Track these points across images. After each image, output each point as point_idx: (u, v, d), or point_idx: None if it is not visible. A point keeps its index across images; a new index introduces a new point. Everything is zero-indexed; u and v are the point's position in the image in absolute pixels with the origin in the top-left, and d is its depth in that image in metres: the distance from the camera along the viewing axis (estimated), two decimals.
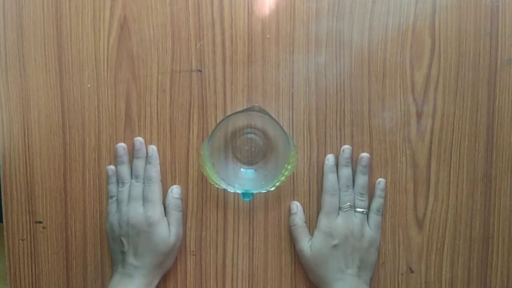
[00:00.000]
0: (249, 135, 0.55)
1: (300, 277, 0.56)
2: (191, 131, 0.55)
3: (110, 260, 0.57)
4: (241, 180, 0.54)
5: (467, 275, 0.57)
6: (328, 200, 0.53)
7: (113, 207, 0.55)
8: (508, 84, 0.55)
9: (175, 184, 0.56)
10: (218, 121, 0.55)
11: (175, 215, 0.54)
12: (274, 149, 0.55)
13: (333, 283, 0.52)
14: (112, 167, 0.55)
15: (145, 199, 0.53)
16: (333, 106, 0.55)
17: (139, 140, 0.55)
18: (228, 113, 0.55)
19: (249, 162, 0.55)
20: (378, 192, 0.55)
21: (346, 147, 0.54)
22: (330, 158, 0.54)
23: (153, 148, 0.55)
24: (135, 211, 0.52)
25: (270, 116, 0.51)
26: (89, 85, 0.55)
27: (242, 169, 0.55)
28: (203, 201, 0.56)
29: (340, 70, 0.55)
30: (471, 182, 0.56)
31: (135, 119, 0.55)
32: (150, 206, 0.53)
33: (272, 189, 0.52)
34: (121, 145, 0.55)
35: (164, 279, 0.56)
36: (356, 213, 0.53)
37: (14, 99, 0.56)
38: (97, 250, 0.57)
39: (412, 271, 0.56)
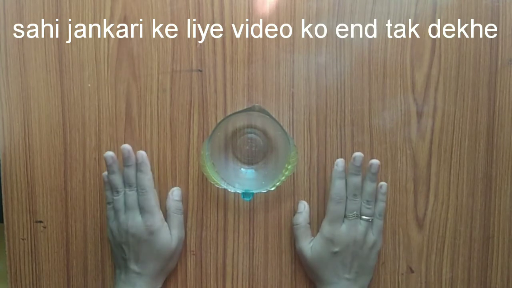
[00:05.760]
0: (249, 135, 0.55)
1: (300, 276, 0.56)
2: (191, 131, 0.55)
3: (111, 259, 0.57)
4: (241, 180, 0.54)
5: (467, 275, 0.57)
6: (333, 208, 0.52)
7: (111, 213, 0.54)
8: (509, 84, 0.55)
9: (175, 184, 0.56)
10: (218, 121, 0.55)
11: (176, 218, 0.54)
12: (274, 149, 0.55)
13: (328, 286, 0.52)
14: (106, 173, 0.54)
15: (142, 209, 0.52)
16: (333, 106, 0.55)
17: (126, 148, 0.53)
18: (228, 113, 0.55)
19: (249, 162, 0.55)
20: (380, 196, 0.54)
21: (358, 155, 0.53)
22: (339, 163, 0.53)
23: (142, 154, 0.53)
24: (134, 221, 0.52)
25: (270, 116, 0.51)
26: (89, 85, 0.55)
27: (242, 169, 0.55)
28: (203, 201, 0.56)
29: (340, 70, 0.55)
30: (471, 182, 0.56)
31: (135, 119, 0.55)
32: (149, 216, 0.52)
33: (272, 189, 0.52)
34: (109, 154, 0.53)
35: (164, 278, 0.56)
36: (362, 221, 0.52)
37: (15, 99, 0.56)
38: (97, 249, 0.57)
39: (412, 271, 0.56)
